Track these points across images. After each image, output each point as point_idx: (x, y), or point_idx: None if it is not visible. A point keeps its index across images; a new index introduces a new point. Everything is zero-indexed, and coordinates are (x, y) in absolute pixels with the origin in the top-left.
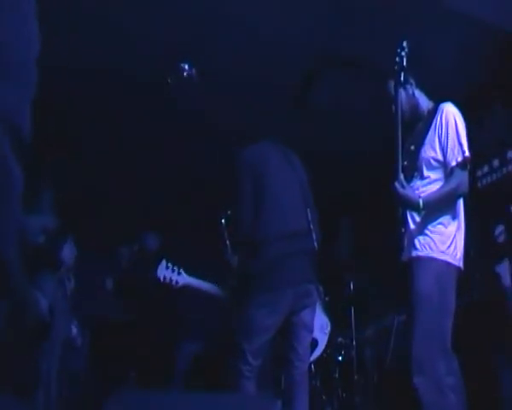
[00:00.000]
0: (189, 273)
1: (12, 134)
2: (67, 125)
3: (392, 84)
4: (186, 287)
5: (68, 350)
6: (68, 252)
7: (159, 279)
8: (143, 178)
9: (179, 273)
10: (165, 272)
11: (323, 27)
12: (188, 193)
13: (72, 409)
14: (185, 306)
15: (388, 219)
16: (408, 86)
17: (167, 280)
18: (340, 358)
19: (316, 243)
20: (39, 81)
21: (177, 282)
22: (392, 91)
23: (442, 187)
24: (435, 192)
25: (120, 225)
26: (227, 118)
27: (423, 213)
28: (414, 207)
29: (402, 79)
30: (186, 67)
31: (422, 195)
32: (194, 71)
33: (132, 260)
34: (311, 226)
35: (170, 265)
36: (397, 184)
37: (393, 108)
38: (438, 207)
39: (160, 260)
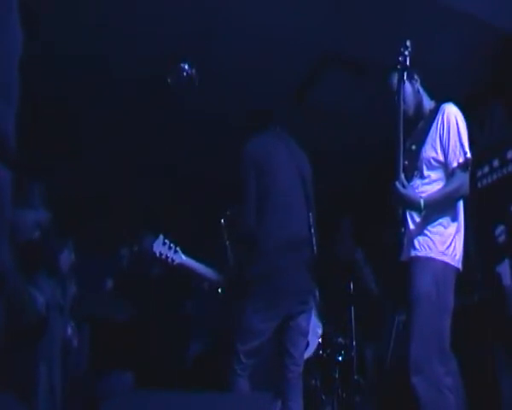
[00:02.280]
0: (187, 254)
1: None
2: (67, 125)
3: (394, 77)
4: (181, 267)
5: (65, 351)
6: (66, 258)
7: (154, 254)
8: (143, 178)
9: (176, 251)
10: (161, 247)
11: (324, 27)
12: (188, 192)
13: None
14: (187, 306)
15: (388, 220)
16: (414, 82)
17: (163, 256)
18: (340, 358)
19: (315, 248)
20: (39, 82)
21: (172, 260)
22: (394, 84)
23: (443, 188)
24: (436, 192)
25: (121, 226)
26: (228, 118)
27: (424, 213)
28: (415, 207)
29: (405, 78)
30: (186, 66)
31: (423, 195)
32: (193, 71)
33: (132, 261)
34: (312, 231)
35: (167, 241)
36: (398, 184)
37: (396, 99)
38: (438, 208)
39: (157, 236)
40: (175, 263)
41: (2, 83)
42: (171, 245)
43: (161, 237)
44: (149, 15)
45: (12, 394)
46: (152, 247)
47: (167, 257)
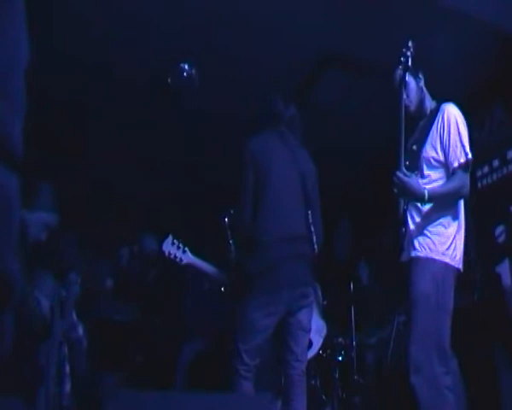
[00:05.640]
0: (195, 254)
1: (2, 146)
2: (69, 127)
3: (399, 72)
4: (189, 266)
5: (75, 351)
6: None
7: (163, 253)
8: (144, 178)
9: (184, 251)
10: (170, 247)
11: (324, 27)
12: (189, 192)
13: (73, 409)
14: (186, 306)
15: (389, 220)
16: (418, 80)
17: (172, 256)
18: (340, 358)
19: (316, 246)
20: (41, 82)
21: (181, 259)
22: (399, 79)
23: (446, 183)
24: (439, 187)
25: (121, 226)
26: (228, 118)
27: (424, 213)
28: (418, 197)
29: (407, 78)
30: (186, 67)
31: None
32: (193, 71)
33: (132, 261)
34: (312, 229)
35: (176, 241)
36: (399, 173)
37: (398, 98)
38: (439, 206)
39: (167, 236)
40: (183, 263)
41: (4, 86)
42: (180, 245)
43: (170, 237)
44: (149, 16)
45: (19, 397)
46: (161, 246)
47: (176, 257)
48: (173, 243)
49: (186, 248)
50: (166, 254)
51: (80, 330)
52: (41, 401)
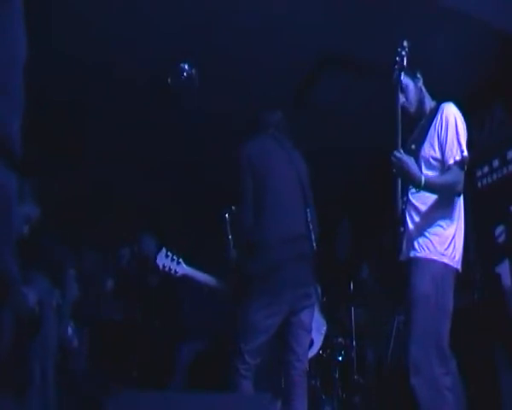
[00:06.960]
0: (189, 264)
1: (2, 146)
2: (69, 127)
3: (398, 72)
4: (185, 277)
5: (65, 351)
6: (71, 290)
7: (158, 267)
8: (144, 178)
9: (178, 263)
10: (164, 260)
11: (324, 27)
12: (189, 192)
13: None
14: (185, 306)
15: (388, 220)
16: (416, 80)
17: (166, 269)
18: (340, 358)
19: (314, 244)
20: (41, 82)
21: (175, 271)
22: (397, 79)
23: (441, 176)
24: (436, 177)
25: (121, 226)
26: (228, 118)
27: (424, 209)
28: (415, 180)
29: (402, 78)
30: (186, 67)
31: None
32: (193, 71)
33: (132, 261)
34: (310, 227)
35: (169, 254)
36: (398, 153)
37: (396, 91)
38: (437, 206)
39: (160, 249)
40: (178, 274)
41: (4, 84)
42: (174, 257)
43: (164, 249)
44: (149, 16)
45: (9, 394)
46: (155, 260)
47: (170, 269)
48: (167, 256)
49: (180, 260)
50: (161, 267)
51: (69, 331)
52: (32, 401)
